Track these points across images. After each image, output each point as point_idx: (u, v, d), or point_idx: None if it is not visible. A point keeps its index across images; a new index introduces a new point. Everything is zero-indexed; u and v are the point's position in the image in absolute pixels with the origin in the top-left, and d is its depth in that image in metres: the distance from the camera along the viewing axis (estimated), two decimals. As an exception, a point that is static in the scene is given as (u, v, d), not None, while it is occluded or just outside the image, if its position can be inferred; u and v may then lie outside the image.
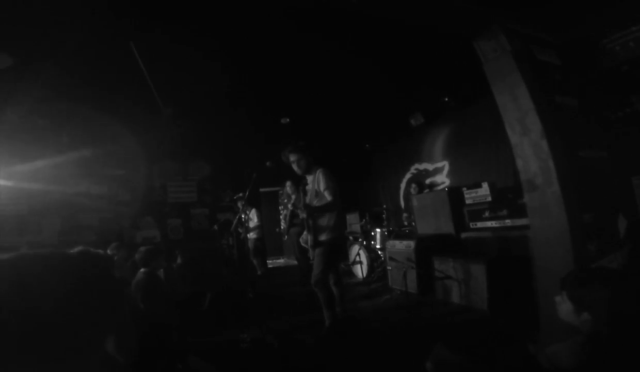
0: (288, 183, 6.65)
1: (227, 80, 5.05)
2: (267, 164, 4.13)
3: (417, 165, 7.96)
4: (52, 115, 5.63)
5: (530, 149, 2.94)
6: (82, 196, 7.63)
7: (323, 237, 3.80)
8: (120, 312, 0.83)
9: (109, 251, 5.60)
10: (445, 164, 7.16)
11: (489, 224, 5.00)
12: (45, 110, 5.41)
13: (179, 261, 6.09)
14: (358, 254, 6.65)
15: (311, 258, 3.97)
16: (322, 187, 3.78)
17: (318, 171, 3.88)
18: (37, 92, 4.61)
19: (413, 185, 7.22)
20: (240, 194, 4.53)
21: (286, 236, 6.89)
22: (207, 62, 4.48)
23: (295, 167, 4.00)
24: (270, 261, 9.44)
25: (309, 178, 4.01)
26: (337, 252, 3.86)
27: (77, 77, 4.49)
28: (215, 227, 7.68)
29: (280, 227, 7.67)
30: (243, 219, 4.28)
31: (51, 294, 0.69)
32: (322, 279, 3.72)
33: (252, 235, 7.16)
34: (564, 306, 1.59)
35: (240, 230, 4.41)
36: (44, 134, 6.04)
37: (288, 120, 6.94)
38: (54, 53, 3.87)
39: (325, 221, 3.80)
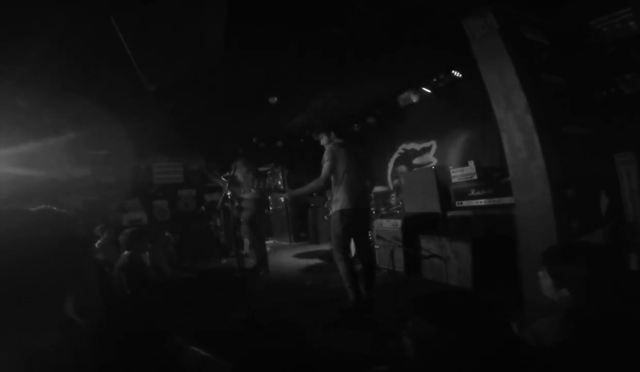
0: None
1: (213, 57, 4.93)
2: (254, 140, 4.10)
3: (404, 146, 7.97)
4: (33, 97, 5.44)
5: (514, 124, 2.97)
6: (66, 179, 7.45)
7: (331, 211, 3.95)
8: (80, 273, 0.81)
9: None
10: (432, 144, 7.18)
11: (474, 202, 5.05)
12: (26, 92, 5.22)
13: (165, 242, 6.06)
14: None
15: None
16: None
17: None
18: (18, 73, 4.42)
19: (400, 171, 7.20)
20: (228, 173, 4.47)
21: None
22: (192, 38, 4.35)
23: None
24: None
25: None
26: (345, 225, 3.82)
27: (60, 56, 4.32)
28: (203, 208, 7.62)
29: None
30: (229, 197, 4.23)
31: (7, 251, 0.67)
32: (334, 254, 3.92)
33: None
34: (545, 281, 1.57)
35: (226, 204, 4.37)
36: (24, 116, 5.83)
37: (276, 99, 6.85)
38: (34, 32, 3.72)
39: (332, 194, 3.92)
